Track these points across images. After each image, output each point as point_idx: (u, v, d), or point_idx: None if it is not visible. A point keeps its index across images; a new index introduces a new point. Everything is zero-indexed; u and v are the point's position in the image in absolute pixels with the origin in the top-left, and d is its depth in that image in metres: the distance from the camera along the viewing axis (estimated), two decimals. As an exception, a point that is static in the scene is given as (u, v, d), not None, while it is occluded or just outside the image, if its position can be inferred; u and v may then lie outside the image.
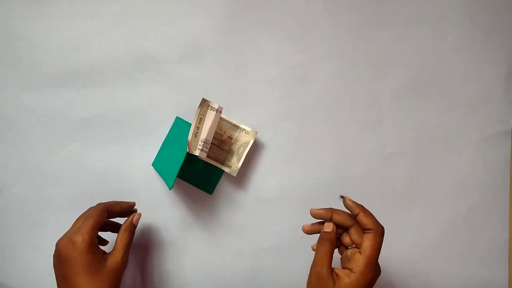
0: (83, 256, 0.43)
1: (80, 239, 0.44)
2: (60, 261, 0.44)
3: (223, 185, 0.59)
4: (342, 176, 0.59)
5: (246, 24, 0.57)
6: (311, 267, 0.44)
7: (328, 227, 0.45)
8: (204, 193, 0.59)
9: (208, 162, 0.55)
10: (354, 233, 0.44)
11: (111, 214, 0.49)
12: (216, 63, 0.58)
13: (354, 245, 0.44)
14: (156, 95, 0.58)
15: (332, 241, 0.44)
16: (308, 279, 0.44)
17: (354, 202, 0.45)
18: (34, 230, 0.59)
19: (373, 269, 0.41)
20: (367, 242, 0.42)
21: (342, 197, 0.54)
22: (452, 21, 0.57)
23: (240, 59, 0.58)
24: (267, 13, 0.57)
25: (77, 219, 0.48)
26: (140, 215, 0.51)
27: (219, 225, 0.59)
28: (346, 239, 0.46)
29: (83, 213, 0.48)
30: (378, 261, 0.42)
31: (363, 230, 0.43)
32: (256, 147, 0.58)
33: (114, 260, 0.46)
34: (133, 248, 0.59)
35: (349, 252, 0.45)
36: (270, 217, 0.59)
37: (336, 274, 0.42)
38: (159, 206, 0.59)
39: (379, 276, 0.43)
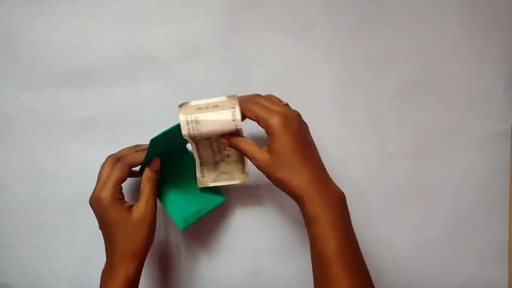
0: (109, 210, 0.46)
1: (104, 196, 0.46)
2: (96, 217, 0.48)
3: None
4: (342, 176, 0.59)
5: (246, 24, 0.57)
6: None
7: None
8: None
9: (222, 185, 0.53)
10: None
11: (133, 167, 0.50)
12: (216, 63, 0.58)
13: None
14: (156, 95, 0.58)
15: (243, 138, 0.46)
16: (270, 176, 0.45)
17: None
18: (34, 230, 0.59)
19: (282, 117, 0.43)
20: (249, 111, 0.45)
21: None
22: (452, 21, 0.57)
23: (240, 59, 0.58)
24: (267, 13, 0.57)
25: (100, 172, 0.49)
26: (158, 159, 0.50)
27: (219, 225, 0.59)
28: None
29: (105, 164, 0.49)
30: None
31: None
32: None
33: (138, 212, 0.47)
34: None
35: None
36: (270, 217, 0.59)
37: (264, 147, 0.45)
38: (159, 205, 0.59)
39: (298, 117, 0.46)
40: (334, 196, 0.44)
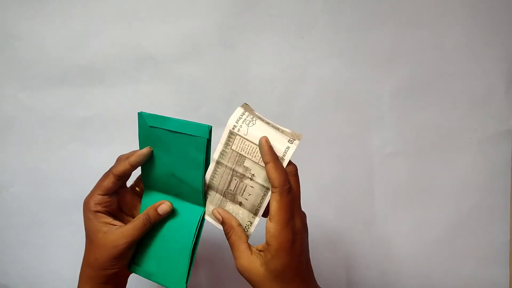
0: (85, 218, 0.42)
1: (85, 201, 0.43)
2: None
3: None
4: (342, 176, 0.59)
5: (246, 23, 0.57)
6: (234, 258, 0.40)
7: (218, 219, 0.41)
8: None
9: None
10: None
11: (124, 176, 0.43)
12: (216, 62, 0.57)
13: None
14: (156, 94, 0.58)
15: (235, 227, 0.40)
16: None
17: (270, 147, 0.38)
18: (33, 230, 0.59)
19: (289, 232, 0.36)
20: (273, 204, 0.37)
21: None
22: (453, 20, 0.57)
23: (240, 58, 0.57)
24: (267, 12, 0.57)
25: (103, 175, 0.44)
26: (168, 207, 0.42)
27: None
28: None
29: (111, 168, 0.43)
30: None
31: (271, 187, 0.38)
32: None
33: (111, 237, 0.41)
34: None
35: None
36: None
37: (259, 251, 0.38)
38: (158, 206, 0.59)
39: (305, 229, 0.39)
40: None
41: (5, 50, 0.57)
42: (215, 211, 0.41)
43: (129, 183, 0.46)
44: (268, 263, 0.37)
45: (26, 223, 0.59)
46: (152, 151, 0.42)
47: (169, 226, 0.42)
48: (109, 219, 0.42)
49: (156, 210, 0.42)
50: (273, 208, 0.37)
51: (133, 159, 0.42)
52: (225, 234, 0.41)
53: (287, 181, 0.38)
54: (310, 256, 0.61)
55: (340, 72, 0.58)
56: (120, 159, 0.44)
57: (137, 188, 0.47)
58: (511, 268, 0.59)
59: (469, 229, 0.59)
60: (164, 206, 0.42)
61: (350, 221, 0.59)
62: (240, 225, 0.41)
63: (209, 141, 0.39)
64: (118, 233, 0.41)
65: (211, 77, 0.57)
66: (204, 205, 0.42)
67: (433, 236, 0.59)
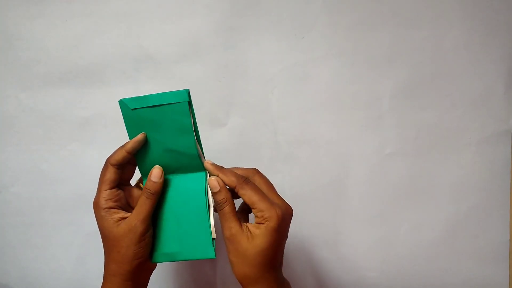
0: (97, 218, 0.42)
1: (94, 202, 0.42)
2: None
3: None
4: (342, 176, 0.59)
5: (246, 23, 0.57)
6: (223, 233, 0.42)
7: (214, 187, 0.42)
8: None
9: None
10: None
11: (124, 165, 0.43)
12: (216, 62, 0.57)
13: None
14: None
15: (230, 199, 0.42)
16: (226, 249, 0.41)
17: (213, 165, 0.42)
18: (33, 230, 0.59)
19: (274, 212, 0.39)
20: (245, 196, 0.41)
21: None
22: (452, 21, 0.57)
23: (239, 58, 0.57)
24: (267, 12, 0.57)
25: (102, 170, 0.43)
26: (159, 169, 0.42)
27: (219, 225, 0.59)
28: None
29: (107, 160, 0.43)
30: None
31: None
32: (256, 147, 0.58)
33: (124, 226, 0.41)
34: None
35: None
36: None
37: (248, 229, 0.41)
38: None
39: (291, 216, 0.42)
40: None
41: (6, 50, 0.57)
42: (213, 179, 0.42)
43: (132, 182, 0.46)
44: (256, 238, 0.39)
45: (26, 223, 0.59)
46: (145, 137, 0.42)
47: (178, 201, 0.43)
48: (123, 213, 0.42)
49: (150, 180, 0.42)
50: (248, 199, 0.40)
51: (129, 145, 0.42)
52: (217, 203, 0.42)
53: (239, 176, 0.42)
54: (310, 256, 0.61)
55: (339, 72, 0.58)
56: (111, 160, 0.43)
57: (141, 185, 0.47)
58: (510, 268, 0.59)
59: (468, 229, 0.59)
60: (154, 171, 0.42)
61: (349, 221, 0.59)
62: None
63: (190, 103, 0.41)
64: (130, 217, 0.41)
65: (211, 77, 0.57)
66: (204, 168, 0.43)
67: (433, 236, 0.59)
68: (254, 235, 0.40)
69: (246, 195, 0.41)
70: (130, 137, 0.42)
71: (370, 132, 0.58)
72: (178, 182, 0.43)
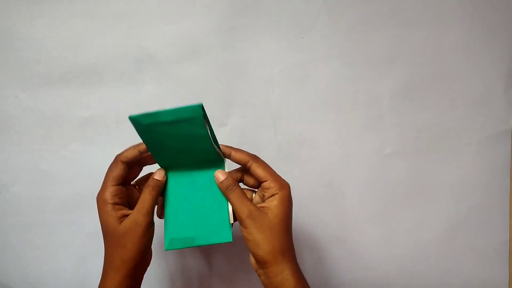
0: (101, 214, 0.42)
1: (98, 197, 0.42)
2: None
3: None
4: (342, 176, 0.59)
5: (246, 23, 0.57)
6: (238, 218, 0.42)
7: (222, 174, 0.43)
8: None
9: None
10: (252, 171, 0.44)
11: (132, 164, 0.44)
12: (216, 62, 0.57)
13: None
14: (156, 94, 0.58)
15: (237, 183, 0.44)
16: (245, 233, 0.42)
17: (225, 145, 0.44)
18: (33, 230, 0.59)
19: (284, 182, 0.43)
20: (258, 170, 0.43)
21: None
22: (452, 20, 0.57)
23: (240, 58, 0.58)
24: (267, 12, 0.57)
25: (110, 166, 0.44)
26: (162, 170, 0.44)
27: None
28: (250, 181, 0.46)
29: (117, 156, 0.44)
30: None
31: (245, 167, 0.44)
32: (256, 147, 0.58)
33: (127, 222, 0.41)
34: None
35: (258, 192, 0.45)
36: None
37: (263, 207, 0.42)
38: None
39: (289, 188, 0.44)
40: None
41: (6, 50, 0.57)
42: (218, 170, 0.44)
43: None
44: (274, 209, 0.41)
45: (26, 223, 0.59)
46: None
47: (195, 191, 0.44)
48: (126, 210, 0.43)
49: (154, 178, 0.43)
50: (261, 172, 0.43)
51: (143, 146, 0.43)
52: (227, 189, 0.43)
53: (250, 154, 0.44)
54: (310, 255, 0.61)
55: (339, 72, 0.58)
56: (119, 155, 0.44)
57: (137, 187, 0.47)
58: (510, 268, 0.59)
59: (468, 228, 0.59)
60: (158, 172, 0.44)
61: (349, 221, 0.59)
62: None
63: (205, 115, 0.40)
64: (133, 213, 0.42)
65: (211, 77, 0.57)
66: (223, 160, 0.44)
67: (433, 236, 0.59)
68: (272, 206, 0.42)
69: (259, 168, 0.43)
70: (149, 148, 0.43)
71: (370, 132, 0.58)
72: (195, 175, 0.45)
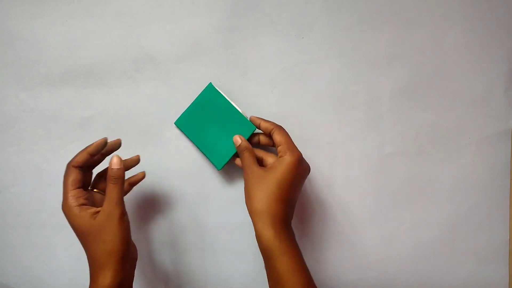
0: (71, 219, 0.43)
1: (63, 204, 0.44)
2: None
3: (223, 185, 0.59)
4: (342, 176, 0.59)
5: (246, 24, 0.57)
6: (244, 177, 0.48)
7: (238, 139, 0.52)
8: (204, 195, 0.59)
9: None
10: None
11: (88, 165, 0.46)
12: (216, 62, 0.58)
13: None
14: (156, 94, 0.58)
15: (249, 147, 0.51)
16: (245, 188, 0.47)
17: (256, 117, 0.53)
18: (33, 230, 0.59)
19: (297, 152, 0.47)
20: (278, 136, 0.49)
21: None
22: (452, 21, 0.57)
23: (240, 59, 0.58)
24: (267, 13, 0.57)
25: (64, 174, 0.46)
26: (117, 157, 0.45)
27: (219, 225, 0.59)
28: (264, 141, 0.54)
29: (68, 163, 0.46)
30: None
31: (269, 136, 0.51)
32: (256, 147, 0.58)
33: (100, 218, 0.42)
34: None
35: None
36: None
37: (267, 164, 0.51)
38: (159, 206, 0.59)
39: (308, 170, 0.50)
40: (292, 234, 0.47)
41: (6, 50, 0.57)
42: (236, 136, 0.53)
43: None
44: (279, 165, 0.46)
45: (26, 223, 0.59)
46: (106, 141, 0.46)
47: (227, 123, 0.55)
48: (95, 209, 0.44)
49: (112, 168, 0.45)
50: (278, 138, 0.49)
51: (91, 147, 0.45)
52: (240, 151, 0.51)
53: (275, 124, 0.51)
54: (310, 256, 0.61)
55: (339, 72, 0.58)
56: (71, 160, 0.46)
57: (95, 190, 0.49)
58: (510, 267, 0.59)
59: (468, 228, 0.59)
60: (114, 160, 0.45)
61: (349, 221, 0.59)
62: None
63: (214, 90, 0.55)
64: (104, 206, 0.43)
65: (211, 77, 0.58)
66: (253, 127, 0.54)
67: (433, 236, 0.59)
68: (275, 167, 0.46)
69: (278, 135, 0.49)
70: (200, 148, 0.56)
71: (370, 132, 0.58)
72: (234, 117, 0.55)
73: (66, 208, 0.43)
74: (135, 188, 0.58)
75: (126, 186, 0.52)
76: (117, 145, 0.49)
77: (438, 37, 0.57)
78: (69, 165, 0.45)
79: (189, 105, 0.56)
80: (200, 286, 0.60)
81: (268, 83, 0.58)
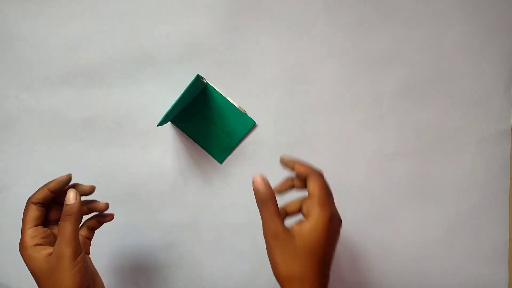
0: (25, 259, 0.40)
1: (19, 244, 0.40)
2: None
3: (223, 185, 0.59)
4: (342, 176, 0.59)
5: (246, 24, 0.57)
6: (263, 234, 0.39)
7: (258, 182, 0.40)
8: (204, 194, 0.59)
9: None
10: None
11: (48, 204, 0.43)
12: (216, 62, 0.58)
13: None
14: (156, 94, 0.58)
15: (274, 197, 0.40)
16: (267, 250, 0.39)
17: (290, 158, 0.43)
18: (34, 230, 0.59)
19: (328, 209, 0.38)
20: (311, 184, 0.39)
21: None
22: (453, 20, 0.57)
23: (240, 59, 0.58)
24: (267, 12, 0.57)
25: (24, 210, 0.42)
26: (73, 192, 0.41)
27: (219, 225, 0.59)
28: (292, 207, 0.43)
29: (28, 199, 0.43)
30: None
31: (304, 181, 0.41)
32: (256, 147, 0.58)
33: (52, 258, 0.39)
34: (132, 249, 0.59)
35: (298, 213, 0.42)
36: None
37: (291, 229, 0.39)
38: (159, 206, 0.59)
39: (340, 224, 0.40)
40: None
41: (6, 51, 0.57)
42: (258, 176, 0.40)
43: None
44: (304, 234, 0.38)
45: (26, 223, 0.59)
46: (70, 178, 0.43)
47: (225, 118, 0.56)
48: (51, 249, 0.40)
49: (66, 204, 0.40)
50: (311, 187, 0.40)
51: (52, 184, 0.42)
52: (261, 200, 0.40)
53: (315, 168, 0.42)
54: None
55: (339, 72, 0.58)
56: (29, 198, 0.42)
57: (87, 226, 0.46)
58: (510, 267, 0.59)
59: (468, 228, 0.59)
60: (69, 195, 0.41)
61: (349, 221, 0.59)
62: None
63: (202, 81, 0.54)
64: (55, 246, 0.39)
65: (211, 77, 0.58)
66: (247, 116, 0.56)
67: (433, 236, 0.59)
68: (303, 230, 0.38)
69: (313, 184, 0.40)
70: (194, 138, 0.57)
71: (370, 132, 0.58)
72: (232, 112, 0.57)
73: (20, 248, 0.40)
74: (135, 188, 0.58)
75: (93, 223, 0.46)
76: (102, 208, 0.45)
77: (438, 37, 0.57)
78: (28, 201, 0.42)
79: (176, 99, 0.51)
80: (200, 286, 0.60)
81: (268, 83, 0.58)
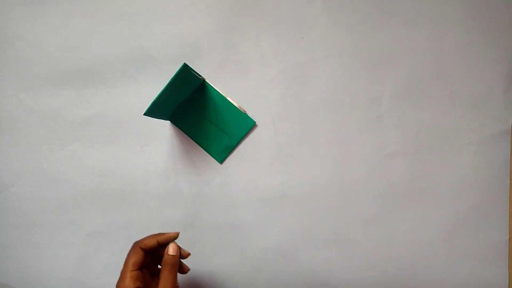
0: None
1: (119, 285, 0.43)
2: None
3: (223, 185, 0.59)
4: (342, 176, 0.59)
5: (246, 24, 0.57)
6: None
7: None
8: (204, 194, 0.59)
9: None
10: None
11: (149, 251, 0.47)
12: (216, 62, 0.58)
13: None
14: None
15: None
16: None
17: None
18: (33, 230, 0.59)
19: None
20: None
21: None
22: (452, 21, 0.57)
23: (240, 59, 0.58)
24: (267, 13, 0.57)
25: (129, 252, 0.46)
26: (175, 245, 0.47)
27: (219, 225, 0.59)
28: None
29: (129, 251, 0.47)
30: None
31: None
32: (256, 147, 0.58)
33: None
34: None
35: None
36: (270, 217, 0.59)
37: None
38: (159, 206, 0.59)
39: None
40: None
41: (6, 50, 0.57)
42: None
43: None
44: None
45: (27, 222, 0.59)
46: (178, 235, 0.48)
47: (224, 118, 0.56)
48: None
49: (169, 254, 0.46)
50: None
51: (162, 238, 0.46)
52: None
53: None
54: (310, 256, 0.61)
55: (339, 72, 0.58)
56: (138, 242, 0.46)
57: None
58: (510, 268, 0.59)
59: (468, 228, 0.59)
60: (171, 246, 0.46)
61: (349, 221, 0.59)
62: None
63: (189, 69, 0.51)
64: None
65: (211, 77, 0.58)
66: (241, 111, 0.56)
67: (432, 236, 0.59)
68: None
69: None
70: (194, 138, 0.56)
71: (370, 132, 0.58)
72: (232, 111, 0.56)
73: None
74: (134, 187, 0.58)
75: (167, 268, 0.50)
76: (173, 237, 0.49)
77: (438, 37, 0.57)
78: (136, 245, 0.46)
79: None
80: (200, 286, 0.60)
81: (268, 83, 0.58)
